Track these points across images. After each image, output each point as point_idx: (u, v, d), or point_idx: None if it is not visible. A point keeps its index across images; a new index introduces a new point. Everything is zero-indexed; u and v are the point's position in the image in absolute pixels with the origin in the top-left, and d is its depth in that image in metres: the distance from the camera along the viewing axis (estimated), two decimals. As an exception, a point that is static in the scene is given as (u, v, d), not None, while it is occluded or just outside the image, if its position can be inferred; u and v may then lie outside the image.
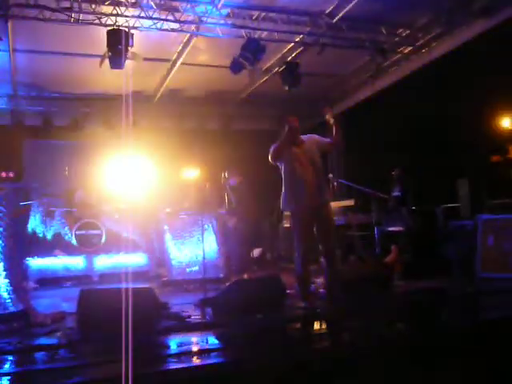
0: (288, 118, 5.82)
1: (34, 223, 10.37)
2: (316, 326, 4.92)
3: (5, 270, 4.81)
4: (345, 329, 4.73)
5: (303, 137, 5.95)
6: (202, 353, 3.82)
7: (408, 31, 8.90)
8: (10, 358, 3.85)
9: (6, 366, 3.68)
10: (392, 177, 8.29)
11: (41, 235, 10.08)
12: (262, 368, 3.50)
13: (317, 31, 8.39)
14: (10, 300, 4.79)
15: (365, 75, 10.68)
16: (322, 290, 5.89)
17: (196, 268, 7.72)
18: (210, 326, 4.74)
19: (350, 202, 8.51)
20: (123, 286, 6.72)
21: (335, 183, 8.84)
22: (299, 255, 5.58)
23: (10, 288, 4.81)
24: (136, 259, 9.00)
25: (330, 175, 8.72)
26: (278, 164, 5.83)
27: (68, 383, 3.23)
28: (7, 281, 4.81)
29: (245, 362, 3.62)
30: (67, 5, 7.15)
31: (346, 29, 8.41)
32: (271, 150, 5.80)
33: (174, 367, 3.52)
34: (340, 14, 8.09)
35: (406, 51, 9.42)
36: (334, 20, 8.19)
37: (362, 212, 8.26)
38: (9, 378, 3.37)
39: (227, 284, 5.65)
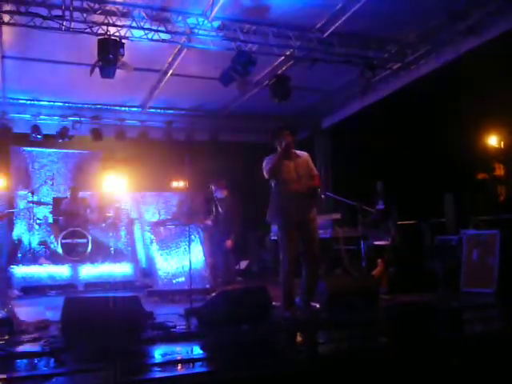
0: (284, 133, 5.85)
1: (20, 231, 10.32)
2: (297, 337, 4.91)
3: (-11, 277, 4.78)
4: (321, 341, 4.74)
5: (298, 152, 5.97)
6: (186, 362, 3.81)
7: (397, 47, 9.00)
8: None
9: (-12, 372, 3.65)
10: (375, 190, 8.34)
11: (26, 243, 10.03)
12: (243, 378, 3.49)
13: (307, 45, 8.47)
14: (-7, 307, 4.75)
15: (353, 90, 10.77)
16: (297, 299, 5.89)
17: (182, 279, 7.70)
18: (195, 336, 4.73)
19: (336, 216, 8.54)
20: (108, 294, 6.71)
21: (322, 196, 8.87)
22: (284, 267, 5.63)
23: (-7, 295, 4.78)
24: (121, 269, 8.97)
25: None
26: (272, 178, 5.83)
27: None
28: (-9, 287, 4.78)
29: (228, 371, 3.62)
30: (59, 13, 7.14)
31: (335, 44, 8.49)
32: (266, 165, 5.84)
33: (158, 376, 3.50)
34: (330, 29, 8.18)
35: (395, 67, 9.52)
36: (325, 35, 8.28)
37: (348, 225, 8.29)
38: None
39: (213, 294, 5.64)
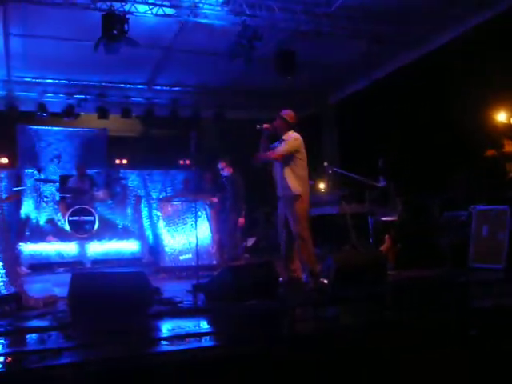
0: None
1: (27, 209, 10.36)
2: (303, 312, 4.92)
3: (-2, 253, 4.79)
4: (328, 316, 4.73)
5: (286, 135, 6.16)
6: (193, 336, 3.81)
7: (405, 21, 8.85)
8: (1, 339, 3.83)
9: (-2, 347, 3.68)
10: (378, 167, 8.30)
11: (34, 221, 10.08)
12: (252, 352, 3.50)
13: (314, 20, 8.35)
14: (2, 283, 4.77)
15: (361, 65, 10.64)
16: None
17: (189, 255, 7.71)
18: (202, 311, 4.73)
19: (343, 191, 8.49)
20: (115, 270, 6.75)
21: (330, 171, 8.83)
22: (311, 248, 6.02)
23: (2, 271, 4.79)
24: (128, 246, 9.00)
25: (325, 163, 8.72)
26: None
27: (58, 363, 3.21)
28: (0, 264, 4.79)
29: (235, 346, 3.62)
30: (62, -12, 7.09)
31: (342, 18, 8.38)
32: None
33: (165, 350, 3.51)
34: (337, 3, 8.05)
35: (403, 41, 9.37)
36: (332, 8, 8.16)
37: (355, 201, 8.24)
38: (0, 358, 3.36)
39: (220, 270, 5.65)
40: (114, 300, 4.40)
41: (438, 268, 6.97)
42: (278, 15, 8.16)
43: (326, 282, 5.77)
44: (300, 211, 5.95)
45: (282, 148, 6.05)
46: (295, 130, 6.17)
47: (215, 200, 8.62)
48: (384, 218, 7.76)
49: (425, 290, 5.63)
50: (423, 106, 9.36)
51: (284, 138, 6.07)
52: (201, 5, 7.81)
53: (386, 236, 7.45)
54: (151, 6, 7.68)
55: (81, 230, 9.01)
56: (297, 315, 4.82)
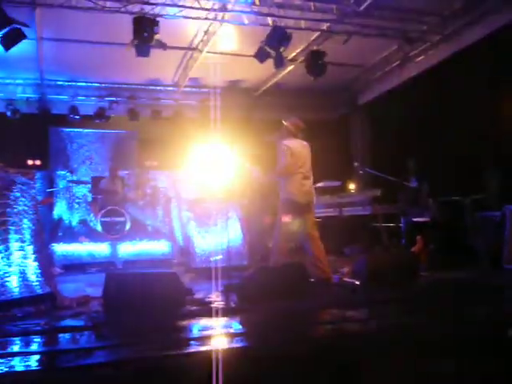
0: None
1: (60, 210, 10.54)
2: (335, 314, 4.88)
3: (34, 253, 4.86)
4: (360, 317, 4.68)
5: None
6: (224, 337, 3.82)
7: (436, 19, 8.75)
8: (37, 338, 3.90)
9: (34, 346, 3.74)
10: (408, 167, 8.21)
11: (66, 221, 10.25)
12: (281, 354, 3.49)
13: (343, 19, 8.30)
14: (37, 283, 4.84)
15: (391, 65, 10.55)
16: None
17: (220, 257, 7.71)
18: (234, 312, 4.73)
19: (375, 192, 8.42)
20: (148, 270, 6.79)
21: (361, 172, 8.76)
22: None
23: (38, 271, 4.87)
24: (159, 247, 9.04)
25: (356, 164, 8.67)
26: None
27: (92, 363, 3.25)
28: (36, 264, 4.86)
29: (267, 347, 3.62)
30: (94, -8, 7.18)
31: (372, 17, 8.29)
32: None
33: (197, 350, 3.52)
34: (367, 2, 7.97)
35: (434, 40, 9.25)
36: (361, 8, 8.07)
37: (387, 202, 8.16)
38: (36, 357, 3.42)
39: (251, 270, 5.64)
40: (148, 300, 4.43)
41: (471, 269, 6.86)
42: (308, 15, 8.13)
43: (357, 283, 5.73)
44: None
45: (278, 168, 6.24)
46: (297, 137, 6.26)
47: (246, 200, 8.62)
48: (416, 219, 7.68)
49: (457, 292, 5.54)
50: (455, 105, 9.21)
51: (278, 145, 6.23)
52: (230, 6, 7.83)
53: (418, 237, 7.37)
54: (181, 9, 7.72)
55: (112, 231, 9.09)
56: (328, 316, 4.79)
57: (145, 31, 7.38)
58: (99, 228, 9.11)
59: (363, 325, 4.41)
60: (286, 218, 6.04)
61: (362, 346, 3.74)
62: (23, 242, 4.81)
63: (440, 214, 7.55)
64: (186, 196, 10.64)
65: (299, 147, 6.22)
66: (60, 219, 10.47)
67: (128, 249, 8.86)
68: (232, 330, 4.08)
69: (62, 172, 10.98)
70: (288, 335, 3.89)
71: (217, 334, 3.89)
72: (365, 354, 3.66)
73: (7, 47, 7.41)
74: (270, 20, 8.05)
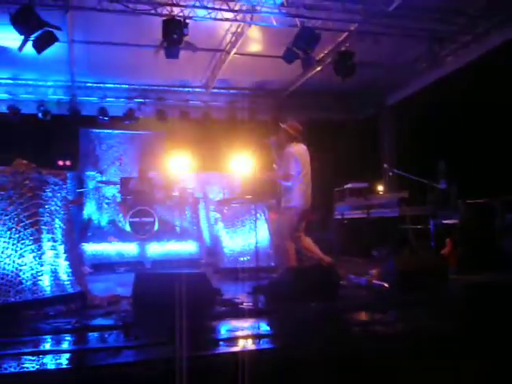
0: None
1: (90, 210, 10.68)
2: (364, 316, 4.85)
3: (65, 253, 4.93)
4: (389, 320, 4.64)
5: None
6: (252, 338, 3.82)
7: (466, 19, 8.63)
8: (68, 336, 3.95)
9: (65, 344, 3.80)
10: (438, 169, 8.11)
11: (95, 221, 10.38)
12: (310, 356, 3.47)
13: (372, 20, 8.24)
14: (68, 282, 4.91)
15: (419, 65, 10.44)
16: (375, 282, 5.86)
17: (248, 257, 7.73)
18: (263, 313, 4.73)
19: (403, 194, 8.34)
20: (177, 271, 6.84)
21: (390, 173, 8.69)
22: None
23: (69, 270, 4.93)
24: (187, 247, 9.09)
25: (385, 165, 8.59)
26: None
27: (121, 362, 3.29)
28: (67, 263, 4.93)
29: (295, 348, 3.61)
30: (124, -5, 7.27)
31: (401, 17, 8.22)
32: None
33: (226, 351, 3.53)
34: (396, 2, 7.91)
35: (464, 40, 9.14)
36: (390, 8, 8.01)
37: (416, 204, 8.08)
38: (66, 355, 3.47)
39: (280, 272, 5.64)
40: (177, 300, 4.46)
41: (501, 272, 6.75)
42: (336, 16, 8.10)
43: (386, 285, 5.69)
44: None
45: (282, 171, 6.19)
46: (299, 141, 6.20)
47: (274, 201, 8.61)
48: (445, 221, 7.58)
49: (487, 295, 5.46)
50: (484, 107, 9.08)
51: (285, 151, 6.15)
52: (258, 7, 7.85)
53: (448, 239, 7.27)
54: (210, 11, 7.77)
55: (141, 231, 9.17)
56: (357, 318, 4.77)
57: (174, 33, 7.43)
58: (128, 228, 9.20)
59: (392, 327, 4.37)
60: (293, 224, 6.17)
61: (390, 349, 3.72)
62: (55, 241, 4.87)
63: (470, 216, 7.44)
64: (213, 197, 10.71)
65: (304, 153, 6.20)
66: (89, 219, 10.61)
67: (156, 249, 8.93)
68: (260, 332, 4.09)
69: (92, 173, 11.13)
70: (316, 337, 3.88)
71: (245, 335, 3.90)
72: (393, 356, 3.63)
73: (39, 50, 7.53)
74: (298, 21, 8.03)
